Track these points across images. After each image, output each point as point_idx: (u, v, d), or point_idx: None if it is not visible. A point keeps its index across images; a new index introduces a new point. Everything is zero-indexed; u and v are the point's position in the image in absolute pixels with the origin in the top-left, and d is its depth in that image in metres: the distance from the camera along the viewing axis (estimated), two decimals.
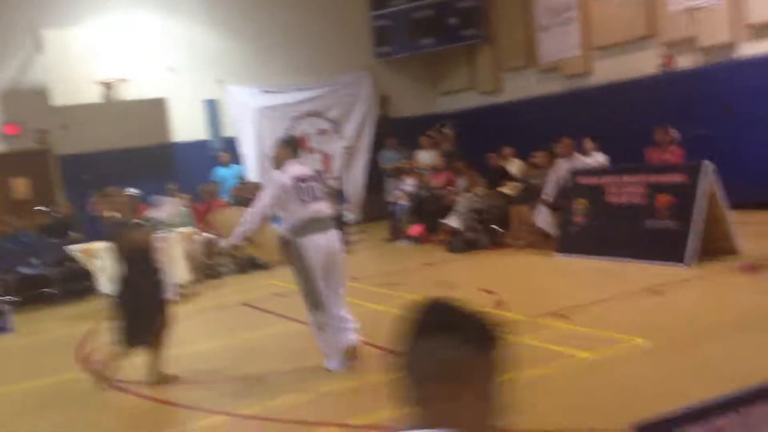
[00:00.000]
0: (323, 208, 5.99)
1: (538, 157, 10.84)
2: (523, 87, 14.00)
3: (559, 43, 12.90)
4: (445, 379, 1.45)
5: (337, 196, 13.89)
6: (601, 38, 12.10)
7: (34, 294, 10.83)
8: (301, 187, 5.86)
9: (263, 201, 6.02)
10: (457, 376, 1.46)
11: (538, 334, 6.30)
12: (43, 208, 12.58)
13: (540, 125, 12.85)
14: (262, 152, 14.98)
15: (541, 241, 10.09)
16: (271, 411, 5.33)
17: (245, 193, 12.97)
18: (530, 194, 10.45)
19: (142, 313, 6.08)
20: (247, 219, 6.06)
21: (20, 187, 13.72)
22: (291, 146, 6.30)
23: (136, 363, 6.39)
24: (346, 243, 13.01)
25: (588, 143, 10.57)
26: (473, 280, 8.94)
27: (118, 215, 6.53)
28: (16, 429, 5.80)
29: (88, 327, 8.98)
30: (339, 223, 12.94)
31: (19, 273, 11.02)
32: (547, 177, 10.23)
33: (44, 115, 13.46)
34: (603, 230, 8.96)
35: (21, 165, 13.74)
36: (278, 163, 6.11)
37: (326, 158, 15.68)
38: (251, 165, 15.01)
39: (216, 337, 7.96)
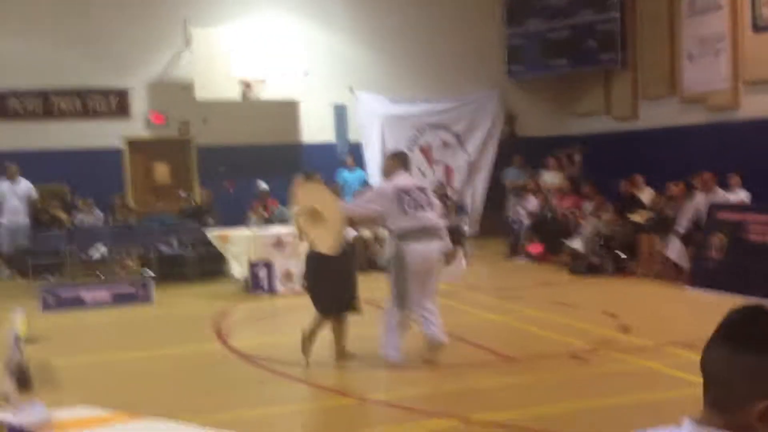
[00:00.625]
0: (427, 218, 6.25)
1: (674, 188, 10.53)
2: (661, 115, 13.57)
3: (706, 74, 12.44)
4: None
5: (457, 208, 13.92)
6: (753, 73, 11.59)
7: (172, 271, 11.58)
8: (403, 198, 6.16)
9: (358, 200, 7.00)
10: None
11: (664, 361, 6.15)
12: (184, 194, 13.37)
13: (677, 156, 12.44)
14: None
15: (670, 273, 9.79)
16: (396, 400, 5.54)
17: None
18: (662, 224, 10.16)
19: (336, 284, 6.56)
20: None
21: (161, 172, 14.56)
22: (399, 159, 6.67)
23: (267, 341, 6.71)
24: (465, 254, 13.06)
25: (734, 179, 10.20)
26: (596, 304, 8.80)
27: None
28: (156, 390, 6.13)
29: (222, 305, 9.46)
30: (458, 234, 13.04)
31: (159, 251, 11.79)
32: (683, 208, 9.92)
33: (187, 107, 14.15)
34: (741, 267, 8.61)
35: (163, 152, 14.57)
36: (387, 174, 6.56)
37: (448, 171, 15.73)
38: (374, 170, 15.21)
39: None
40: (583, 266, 10.71)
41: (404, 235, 6.17)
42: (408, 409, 5.30)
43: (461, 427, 4.91)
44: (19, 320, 2.54)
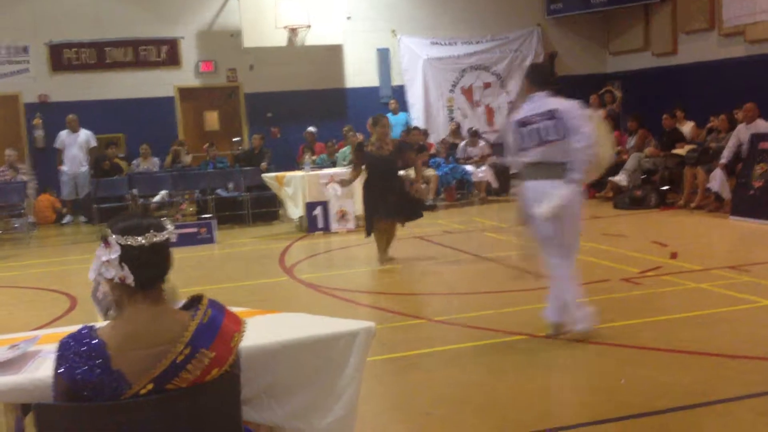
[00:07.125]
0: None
1: (717, 120, 10.78)
2: (701, 50, 13.73)
3: (745, 6, 12.56)
4: None
5: (499, 148, 14.25)
6: None
7: (228, 214, 12.08)
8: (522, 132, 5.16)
9: None
10: None
11: (714, 282, 6.57)
12: (236, 139, 13.85)
13: (718, 90, 12.64)
14: (428, 101, 15.64)
15: (714, 204, 10.12)
16: (465, 320, 5.93)
17: (411, 140, 13.63)
18: (706, 157, 10.45)
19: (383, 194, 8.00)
20: None
21: (211, 119, 15.03)
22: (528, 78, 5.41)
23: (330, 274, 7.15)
24: (511, 192, 13.45)
25: None
26: (642, 234, 9.22)
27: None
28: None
29: (282, 244, 9.94)
30: (505, 174, 13.40)
31: (216, 195, 12.26)
32: (725, 141, 10.20)
33: (235, 55, 14.59)
34: None
35: (212, 100, 15.02)
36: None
37: (490, 112, 16.02)
38: (417, 113, 15.57)
39: (402, 261, 8.63)
40: (626, 200, 11.07)
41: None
42: (479, 329, 5.67)
43: (529, 342, 5.37)
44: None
